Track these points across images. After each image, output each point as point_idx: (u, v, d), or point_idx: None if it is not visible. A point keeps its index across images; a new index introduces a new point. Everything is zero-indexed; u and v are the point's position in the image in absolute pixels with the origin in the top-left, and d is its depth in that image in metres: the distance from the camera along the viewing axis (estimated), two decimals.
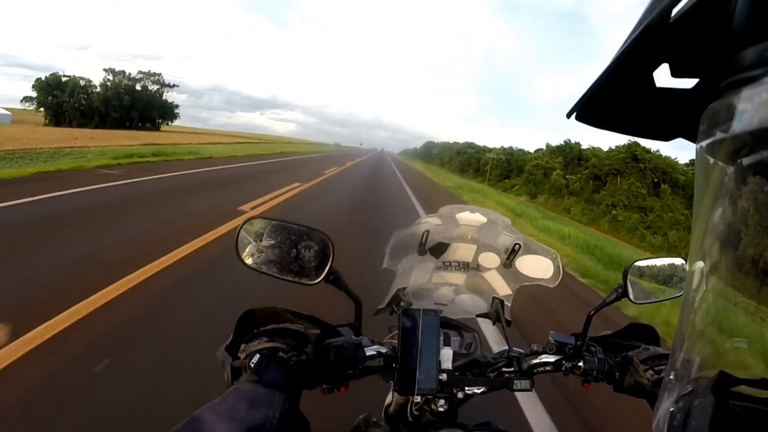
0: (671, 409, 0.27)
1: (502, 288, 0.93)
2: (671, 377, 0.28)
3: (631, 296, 0.78)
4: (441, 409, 0.75)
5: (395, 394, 0.81)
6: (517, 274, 0.90)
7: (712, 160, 0.25)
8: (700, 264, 0.27)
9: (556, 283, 0.88)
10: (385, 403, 0.88)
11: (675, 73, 0.28)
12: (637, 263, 0.81)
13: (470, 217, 0.87)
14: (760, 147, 0.22)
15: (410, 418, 0.79)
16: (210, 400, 0.55)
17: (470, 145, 71.01)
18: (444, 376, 0.74)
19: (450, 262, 0.91)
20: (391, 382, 0.75)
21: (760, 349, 0.25)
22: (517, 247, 0.87)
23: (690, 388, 0.27)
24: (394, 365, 0.73)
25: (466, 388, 0.76)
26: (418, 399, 0.75)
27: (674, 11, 0.24)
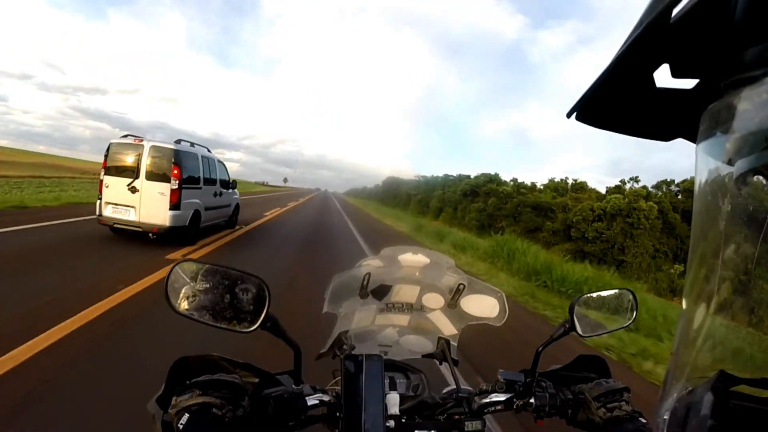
0: (672, 409, 0.27)
1: (448, 328, 0.92)
2: (671, 377, 0.28)
3: (579, 330, 0.78)
4: None
5: None
6: (462, 314, 0.90)
7: (712, 160, 0.25)
8: (699, 264, 0.27)
9: (503, 322, 0.87)
10: None
11: (675, 74, 0.28)
12: (583, 297, 0.82)
13: (413, 258, 0.87)
14: (761, 147, 0.22)
15: None
16: None
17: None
18: (391, 423, 0.71)
19: (393, 304, 0.90)
20: (337, 431, 0.72)
21: (760, 349, 0.25)
22: (461, 287, 0.87)
23: (690, 388, 0.27)
24: (338, 414, 0.70)
25: None
26: None
27: (674, 12, 0.24)
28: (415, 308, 0.91)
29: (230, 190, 8.88)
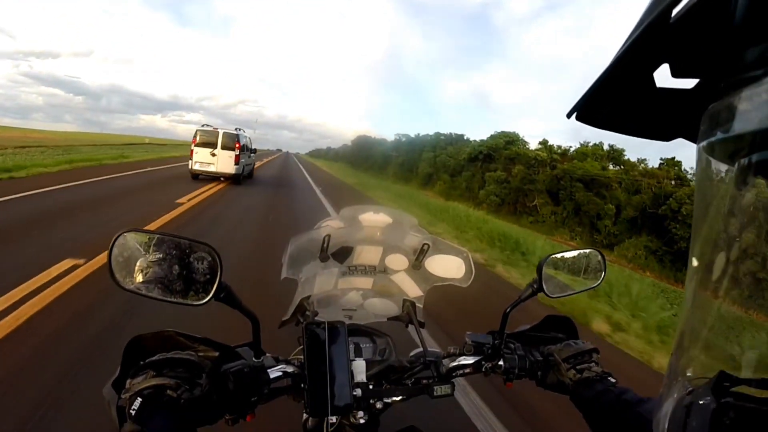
0: (671, 409, 0.27)
1: (413, 290, 0.90)
2: (671, 377, 0.28)
3: (546, 290, 0.77)
4: (361, 422, 0.70)
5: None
6: (427, 275, 0.88)
7: (712, 160, 0.25)
8: (700, 264, 0.27)
9: (469, 282, 0.85)
10: (303, 420, 0.82)
11: (675, 74, 0.28)
12: (551, 257, 0.80)
13: (374, 218, 0.84)
14: (761, 147, 0.22)
15: None
16: None
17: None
18: (358, 391, 0.69)
19: (356, 267, 0.88)
20: (303, 402, 0.69)
21: (761, 349, 0.25)
22: (425, 247, 0.85)
23: (690, 388, 0.27)
24: (303, 385, 0.67)
25: (384, 398, 0.72)
26: (333, 419, 0.70)
27: (674, 11, 0.24)
28: (379, 270, 0.89)
29: (252, 155, 15.00)
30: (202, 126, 12.03)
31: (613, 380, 0.71)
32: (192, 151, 11.76)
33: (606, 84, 0.30)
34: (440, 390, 0.75)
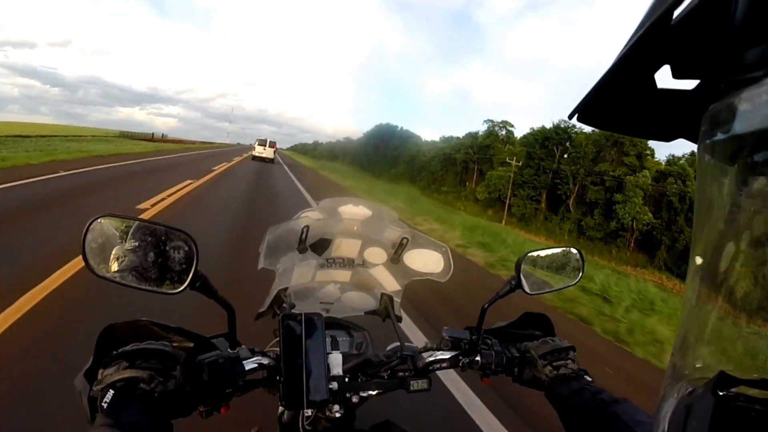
0: (671, 410, 0.27)
1: (391, 284, 0.89)
2: (671, 378, 0.28)
3: (526, 288, 0.77)
4: (337, 415, 0.69)
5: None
6: (405, 269, 0.87)
7: (713, 161, 0.25)
8: (701, 265, 0.27)
9: (447, 277, 0.85)
10: (278, 413, 0.81)
11: (676, 74, 0.29)
12: (529, 254, 0.80)
13: (354, 210, 0.83)
14: (762, 148, 0.22)
15: (302, 431, 0.73)
16: None
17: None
18: (335, 384, 0.68)
19: (334, 259, 0.87)
20: (278, 395, 0.68)
21: (761, 350, 0.25)
22: (404, 241, 0.84)
23: (690, 389, 0.27)
24: (278, 377, 0.66)
25: (361, 392, 0.71)
26: (309, 412, 0.70)
27: (676, 13, 0.25)
28: (357, 263, 0.88)
29: (274, 148, 28.42)
30: (259, 138, 28.07)
31: (588, 378, 0.71)
32: (253, 146, 28.83)
33: (607, 85, 0.31)
34: (417, 384, 0.74)
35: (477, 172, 43.12)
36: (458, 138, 48.16)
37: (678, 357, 0.28)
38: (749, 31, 0.23)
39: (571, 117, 0.35)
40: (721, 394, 0.24)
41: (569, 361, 0.73)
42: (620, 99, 0.32)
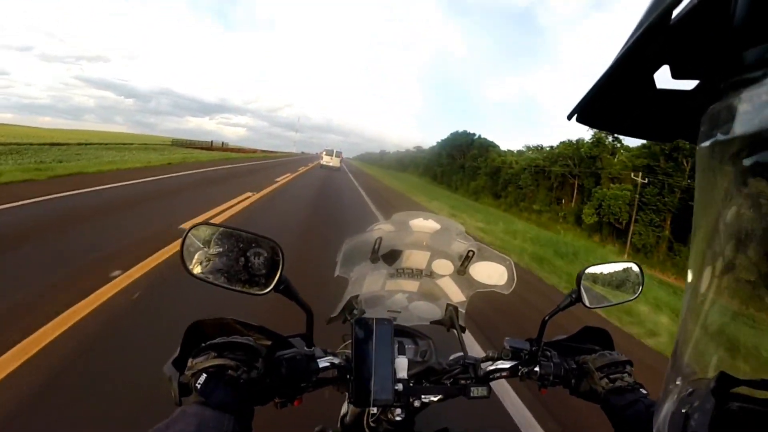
0: (672, 411, 0.27)
1: (456, 295, 0.93)
2: (672, 378, 0.28)
3: (585, 301, 0.79)
4: (398, 419, 0.73)
5: (351, 405, 0.80)
6: (471, 281, 0.90)
7: (712, 162, 0.25)
8: (700, 266, 0.27)
9: (511, 289, 0.87)
10: (341, 414, 0.86)
11: (676, 75, 0.28)
12: (589, 269, 0.82)
13: (423, 224, 0.87)
14: (761, 148, 0.22)
15: (367, 430, 0.77)
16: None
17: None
18: (400, 386, 0.72)
19: (403, 269, 0.91)
20: (346, 393, 0.73)
21: (761, 350, 0.25)
22: (470, 253, 0.87)
23: (690, 390, 0.27)
24: (348, 376, 0.71)
25: (423, 396, 0.75)
26: (374, 410, 0.74)
27: (675, 13, 0.24)
28: (425, 274, 0.92)
29: (340, 157, 32.65)
30: (326, 147, 32.25)
31: (644, 391, 0.72)
32: (321, 156, 32.25)
33: (607, 85, 0.30)
34: (477, 391, 0.77)
35: (576, 188, 37.29)
36: (549, 148, 42.45)
37: (678, 358, 0.28)
38: (749, 31, 0.22)
39: (570, 117, 0.35)
40: (721, 394, 0.24)
41: (626, 374, 0.74)
42: (619, 99, 0.32)
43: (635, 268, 0.85)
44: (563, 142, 40.56)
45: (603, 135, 33.71)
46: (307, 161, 41.42)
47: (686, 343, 0.27)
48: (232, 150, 59.25)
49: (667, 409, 0.27)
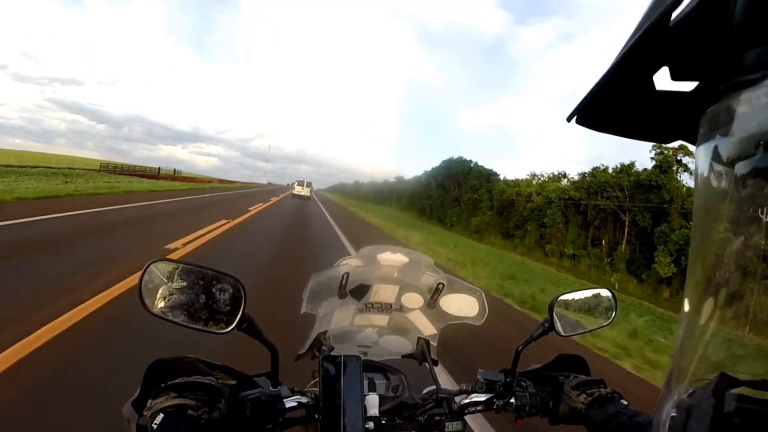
0: (671, 412, 0.27)
1: (427, 328, 0.92)
2: (671, 379, 0.28)
3: (559, 329, 0.78)
4: None
5: None
6: (441, 314, 0.90)
7: (711, 163, 0.25)
8: (699, 266, 0.27)
9: (482, 321, 0.87)
10: None
11: (675, 76, 0.29)
12: (562, 297, 0.82)
13: (391, 258, 0.86)
14: (760, 149, 0.22)
15: None
16: None
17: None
18: (371, 424, 0.70)
19: (372, 304, 0.90)
20: None
21: (762, 351, 0.25)
22: (440, 286, 0.87)
23: (691, 390, 0.26)
24: (316, 416, 0.69)
25: None
26: None
27: (674, 14, 0.24)
28: (395, 308, 0.91)
29: (311, 188, 36.24)
30: (297, 180, 35.12)
31: (625, 402, 0.71)
32: (293, 186, 36.31)
33: (606, 87, 0.30)
34: (451, 426, 0.76)
35: (629, 225, 26.22)
36: (582, 175, 30.24)
37: (678, 359, 0.28)
38: (748, 32, 0.23)
39: (569, 119, 0.35)
40: (721, 395, 0.24)
41: (602, 387, 0.73)
42: (619, 101, 0.32)
43: (607, 293, 0.86)
44: (596, 168, 29.30)
45: (670, 154, 24.70)
46: (270, 194, 33.32)
47: (686, 344, 0.27)
48: (184, 179, 47.54)
49: (667, 410, 0.27)
